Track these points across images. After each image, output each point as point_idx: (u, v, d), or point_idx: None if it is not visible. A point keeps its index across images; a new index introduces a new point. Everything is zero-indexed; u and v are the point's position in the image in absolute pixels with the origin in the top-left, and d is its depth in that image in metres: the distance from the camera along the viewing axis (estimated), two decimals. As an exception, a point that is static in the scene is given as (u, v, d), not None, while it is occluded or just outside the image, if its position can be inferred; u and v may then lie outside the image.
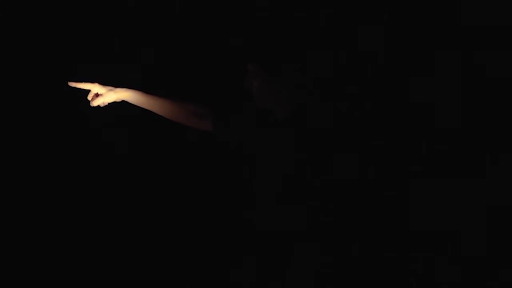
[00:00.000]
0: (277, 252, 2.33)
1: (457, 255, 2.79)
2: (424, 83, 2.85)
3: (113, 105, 2.52)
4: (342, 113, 2.36)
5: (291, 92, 2.34)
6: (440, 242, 2.81)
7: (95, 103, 2.48)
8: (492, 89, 2.80)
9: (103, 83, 2.51)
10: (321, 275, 2.30)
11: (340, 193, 2.31)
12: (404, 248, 2.77)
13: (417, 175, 2.82)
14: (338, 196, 2.31)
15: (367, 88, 2.85)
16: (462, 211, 2.80)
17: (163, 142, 3.16)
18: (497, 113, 2.80)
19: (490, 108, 2.80)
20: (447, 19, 2.83)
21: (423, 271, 2.80)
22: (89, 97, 2.50)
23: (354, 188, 2.33)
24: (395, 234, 2.73)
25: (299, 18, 2.62)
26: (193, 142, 3.07)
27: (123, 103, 2.54)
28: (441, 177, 2.82)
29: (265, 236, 2.35)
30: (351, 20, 2.86)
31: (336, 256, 2.31)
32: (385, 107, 2.85)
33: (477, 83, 2.81)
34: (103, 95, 2.48)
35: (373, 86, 2.86)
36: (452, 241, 2.80)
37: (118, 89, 2.51)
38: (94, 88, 2.49)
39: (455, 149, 2.82)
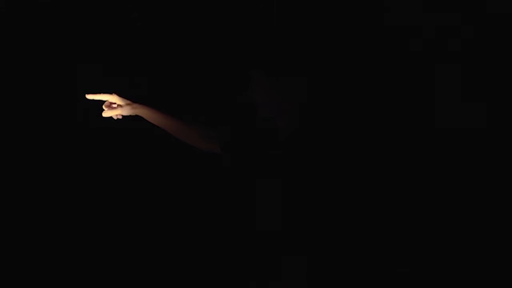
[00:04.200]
0: (276, 252, 2.33)
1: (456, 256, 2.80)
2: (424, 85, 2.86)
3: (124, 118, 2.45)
4: (344, 119, 2.36)
5: (294, 99, 2.34)
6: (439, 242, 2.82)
7: (109, 113, 2.41)
8: (492, 89, 2.81)
9: (121, 95, 2.44)
10: (320, 275, 2.31)
11: (343, 196, 2.32)
12: (403, 248, 2.77)
13: (416, 175, 2.83)
14: (341, 198, 2.31)
15: (370, 92, 2.84)
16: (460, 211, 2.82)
17: (163, 142, 3.16)
18: (496, 113, 2.80)
19: (489, 107, 2.81)
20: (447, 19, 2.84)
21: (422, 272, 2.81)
22: (105, 106, 2.42)
23: (357, 191, 2.33)
24: (394, 235, 2.73)
25: (301, 24, 2.62)
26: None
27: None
28: (440, 177, 2.83)
29: (264, 236, 2.35)
30: (353, 24, 2.86)
31: (334, 257, 2.31)
32: (388, 110, 2.85)
33: (476, 83, 2.82)
34: (120, 108, 2.41)
35: (375, 89, 2.85)
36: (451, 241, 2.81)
37: (136, 105, 2.43)
38: (113, 98, 2.42)
39: (454, 149, 2.83)
